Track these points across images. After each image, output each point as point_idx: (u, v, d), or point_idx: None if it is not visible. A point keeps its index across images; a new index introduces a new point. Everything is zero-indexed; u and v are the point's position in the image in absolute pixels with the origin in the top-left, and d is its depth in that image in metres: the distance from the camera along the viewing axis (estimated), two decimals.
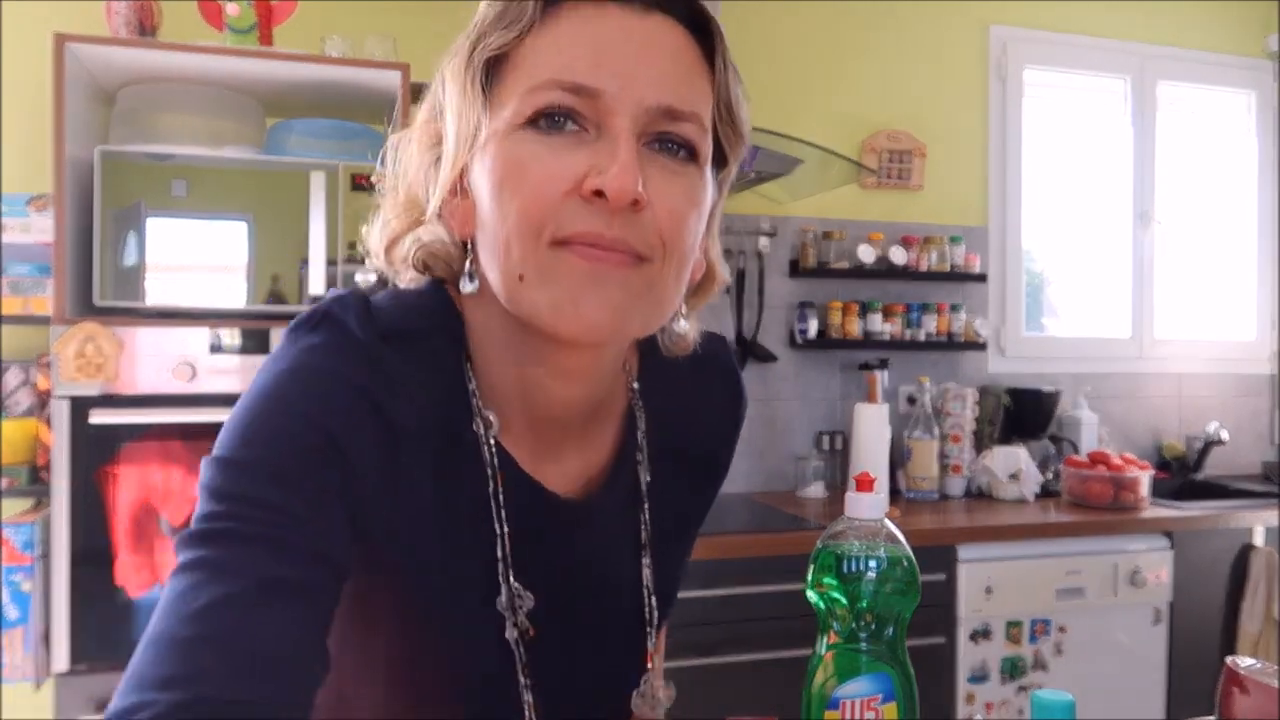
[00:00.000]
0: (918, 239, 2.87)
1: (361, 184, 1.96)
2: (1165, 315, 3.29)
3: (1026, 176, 3.11)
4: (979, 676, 2.32)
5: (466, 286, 0.65)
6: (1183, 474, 3.09)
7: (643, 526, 0.76)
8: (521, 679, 0.68)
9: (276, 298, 1.93)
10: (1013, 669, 2.34)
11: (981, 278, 2.96)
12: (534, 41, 0.62)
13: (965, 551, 2.31)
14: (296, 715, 0.53)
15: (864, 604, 0.78)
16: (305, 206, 1.92)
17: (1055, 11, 3.13)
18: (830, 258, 2.80)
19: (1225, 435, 3.05)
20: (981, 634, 2.31)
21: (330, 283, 1.93)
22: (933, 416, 2.75)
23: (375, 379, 0.61)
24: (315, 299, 1.92)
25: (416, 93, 2.14)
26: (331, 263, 1.93)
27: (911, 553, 0.81)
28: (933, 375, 2.88)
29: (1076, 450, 2.88)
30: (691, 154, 0.63)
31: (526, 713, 0.68)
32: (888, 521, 0.82)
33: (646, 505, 0.76)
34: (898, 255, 2.82)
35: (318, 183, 1.92)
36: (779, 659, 2.05)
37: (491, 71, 0.63)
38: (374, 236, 0.72)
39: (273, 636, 0.53)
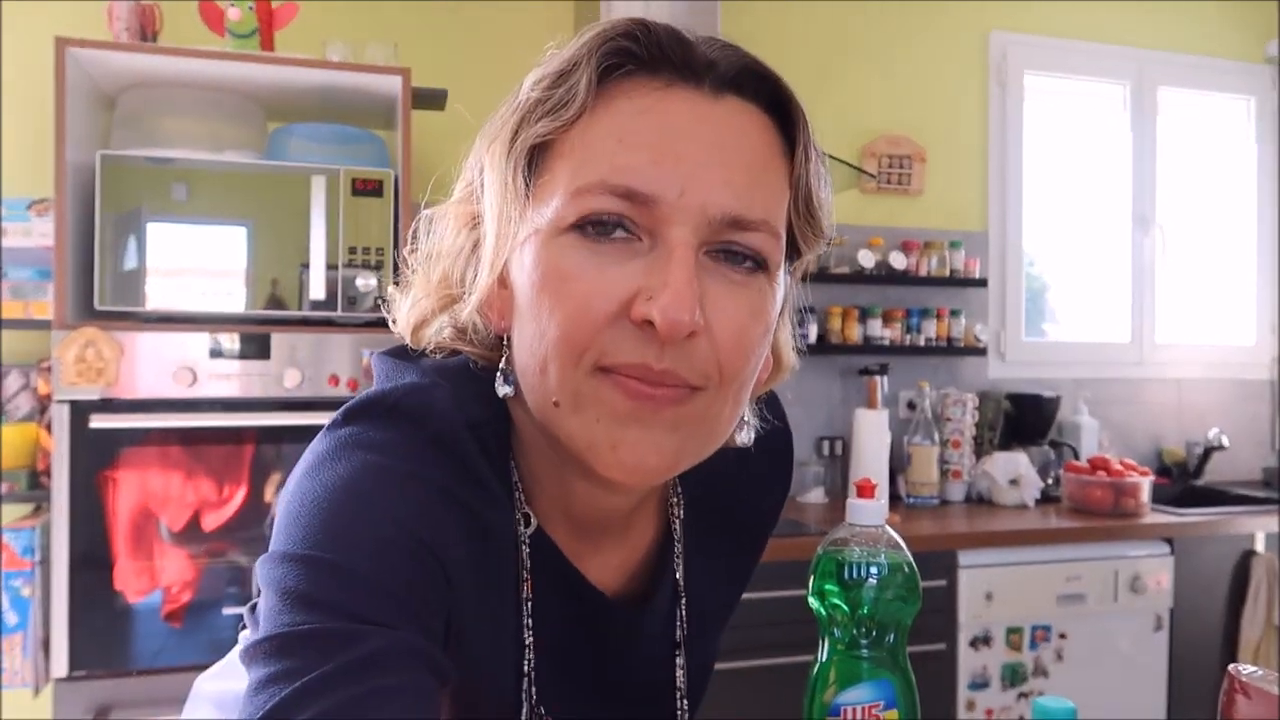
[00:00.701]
0: (918, 244, 2.87)
1: (362, 189, 1.96)
2: (1165, 320, 3.29)
3: (1027, 181, 3.12)
4: (980, 683, 2.31)
5: (502, 389, 0.59)
6: (1183, 480, 3.08)
7: (679, 624, 0.70)
8: None
9: (276, 302, 1.93)
10: (1013, 676, 2.34)
11: (982, 283, 2.96)
12: (585, 129, 0.54)
13: (966, 557, 2.30)
14: None
15: (865, 610, 0.78)
16: (306, 211, 1.92)
17: (1055, 17, 3.14)
18: (830, 262, 2.80)
19: (1226, 441, 3.05)
20: (982, 640, 2.31)
21: (331, 288, 1.93)
22: (933, 422, 2.75)
23: (461, 481, 0.56)
24: (316, 304, 1.92)
25: (418, 97, 2.15)
26: (332, 267, 1.93)
27: (912, 559, 0.81)
28: (933, 380, 2.87)
29: (1077, 456, 2.88)
30: (760, 264, 0.55)
31: None
32: (888, 528, 0.82)
33: (684, 601, 0.70)
34: (897, 260, 2.82)
35: (318, 187, 1.92)
36: (780, 665, 2.04)
37: (536, 158, 0.56)
38: (402, 314, 0.65)
39: None
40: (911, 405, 2.86)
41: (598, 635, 0.67)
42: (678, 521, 0.70)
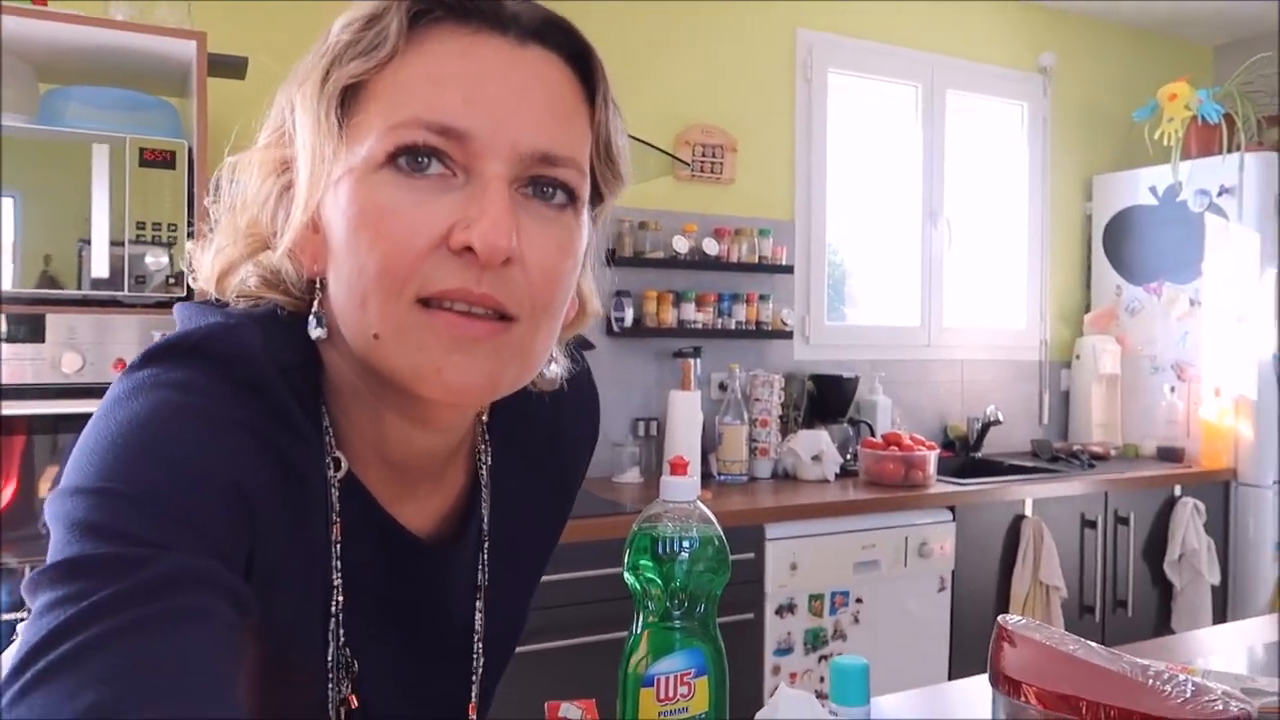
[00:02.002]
0: (729, 231, 2.98)
1: (152, 159, 1.82)
2: (951, 306, 3.56)
3: (830, 174, 3.28)
4: (784, 649, 2.44)
5: (315, 331, 0.60)
6: (964, 452, 3.36)
7: (481, 568, 0.72)
8: None
9: (50, 281, 1.76)
10: (815, 640, 2.48)
11: (788, 269, 3.10)
12: (397, 70, 0.55)
13: (772, 530, 2.42)
14: None
15: (678, 583, 0.81)
16: (86, 182, 1.77)
17: (856, 19, 3.31)
18: (646, 248, 2.86)
19: (1001, 416, 3.34)
20: (787, 608, 2.44)
21: (115, 265, 1.78)
22: (742, 402, 2.86)
23: (269, 421, 0.57)
24: (98, 282, 1.77)
25: (215, 64, 2.01)
26: (117, 244, 1.79)
27: (722, 533, 0.84)
28: (742, 362, 2.99)
29: (873, 432, 3.08)
30: (569, 198, 0.59)
31: None
32: (700, 504, 0.85)
33: (486, 545, 0.72)
34: (710, 246, 2.91)
35: (101, 156, 1.77)
36: (597, 642, 2.08)
37: (348, 99, 0.56)
38: (205, 262, 0.63)
39: (193, 659, 0.45)
40: (723, 386, 2.96)
41: (407, 578, 0.68)
42: (485, 468, 0.72)
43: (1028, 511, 2.86)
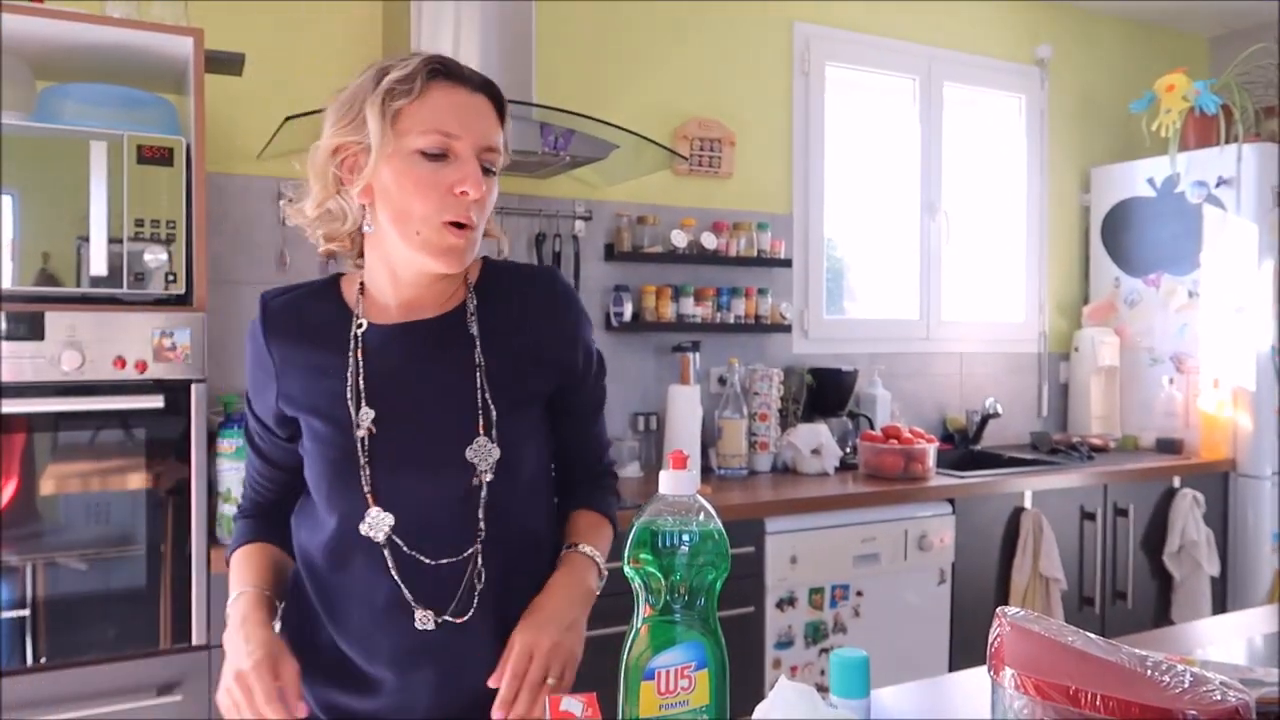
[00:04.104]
0: (727, 225, 2.98)
1: (150, 156, 1.82)
2: (949, 299, 3.56)
3: (828, 168, 3.28)
4: (785, 642, 2.44)
5: (368, 229, 1.10)
6: (964, 445, 3.36)
7: (475, 353, 1.12)
8: (362, 459, 1.07)
9: (49, 278, 1.76)
10: (815, 633, 2.49)
11: (786, 263, 3.10)
12: (420, 103, 1.04)
13: (772, 524, 2.42)
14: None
15: (678, 577, 0.81)
16: (84, 180, 1.76)
17: (853, 12, 3.31)
18: (644, 242, 2.86)
19: (1000, 409, 3.35)
20: (787, 601, 2.44)
21: (114, 263, 1.78)
22: (741, 396, 2.86)
23: (272, 327, 1.13)
24: (97, 280, 1.77)
25: (212, 61, 2.01)
26: (116, 241, 1.79)
27: (722, 526, 0.85)
28: (741, 356, 2.99)
29: (872, 425, 3.08)
30: (493, 171, 1.09)
31: (364, 483, 1.07)
32: (700, 498, 0.86)
33: (478, 345, 1.12)
34: (708, 240, 2.91)
35: (99, 153, 1.77)
36: (597, 637, 2.07)
37: (395, 116, 1.04)
38: (308, 204, 1.11)
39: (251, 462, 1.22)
40: (722, 380, 2.96)
41: (407, 346, 1.11)
42: (471, 307, 1.15)
43: (1027, 504, 2.86)
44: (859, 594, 2.55)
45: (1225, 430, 3.32)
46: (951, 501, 2.71)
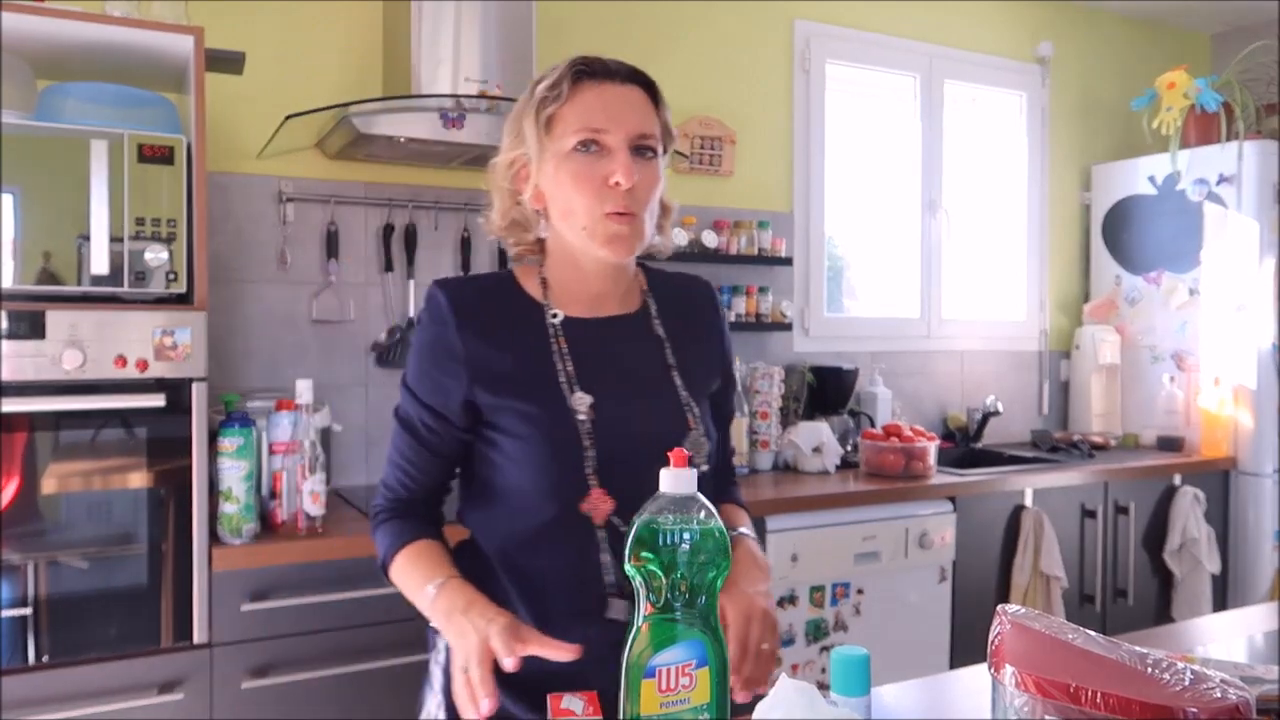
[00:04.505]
0: (728, 223, 2.97)
1: (151, 155, 1.82)
2: (950, 297, 3.56)
3: (828, 166, 3.28)
4: (786, 640, 2.44)
5: (544, 232, 1.17)
6: (965, 443, 3.36)
7: (667, 353, 1.21)
8: (586, 443, 1.11)
9: (50, 277, 1.76)
10: (816, 631, 2.49)
11: (787, 261, 3.10)
12: (569, 105, 1.11)
13: (773, 522, 2.42)
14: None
15: (679, 575, 0.81)
16: (84, 178, 1.76)
17: (854, 10, 3.31)
18: None
19: (1000, 407, 3.35)
20: (789, 600, 2.44)
21: (116, 261, 1.78)
22: (742, 394, 2.86)
23: (461, 313, 1.15)
24: (98, 279, 1.77)
25: (212, 60, 2.01)
26: (117, 240, 1.79)
27: (723, 525, 0.85)
28: (743, 355, 2.99)
29: (873, 423, 3.08)
30: (654, 153, 1.14)
31: (588, 465, 1.11)
32: (700, 496, 0.86)
33: (667, 346, 1.21)
34: (709, 239, 2.91)
35: (99, 152, 1.77)
36: None
37: (550, 122, 1.12)
38: (494, 215, 1.21)
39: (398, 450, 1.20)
40: None
41: (606, 338, 1.18)
42: (653, 305, 1.24)
43: (1028, 502, 2.86)
44: (860, 592, 2.55)
45: (1226, 428, 3.32)
46: (952, 499, 2.71)
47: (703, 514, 0.83)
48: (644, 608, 0.81)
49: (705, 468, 1.15)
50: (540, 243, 1.20)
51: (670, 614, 0.81)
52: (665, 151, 1.18)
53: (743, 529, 1.22)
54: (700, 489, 1.02)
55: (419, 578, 1.11)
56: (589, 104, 1.10)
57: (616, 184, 1.08)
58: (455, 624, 1.02)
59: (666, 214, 1.22)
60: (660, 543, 0.81)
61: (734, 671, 0.99)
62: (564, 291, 1.19)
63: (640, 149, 1.11)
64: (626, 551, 0.82)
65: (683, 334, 1.23)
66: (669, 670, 0.79)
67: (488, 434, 1.15)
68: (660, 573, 0.80)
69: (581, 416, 1.11)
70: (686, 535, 0.81)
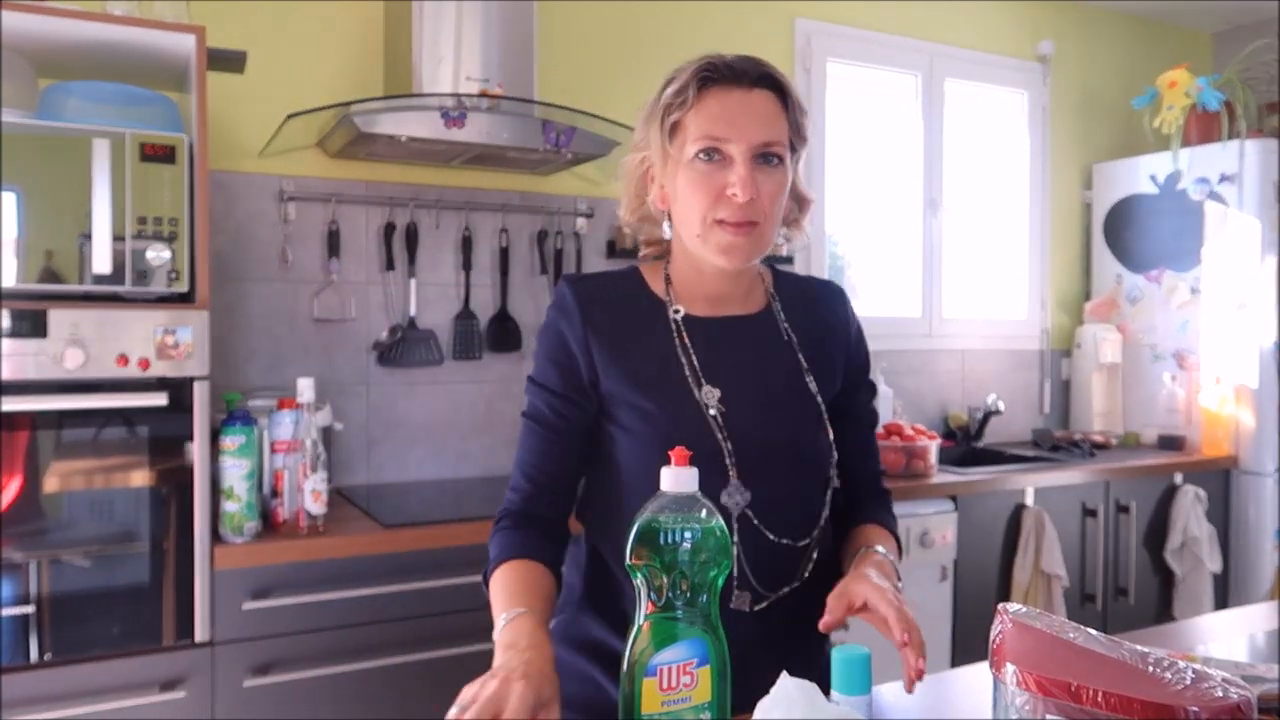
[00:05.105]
0: None
1: (152, 154, 1.82)
2: (951, 296, 3.56)
3: (830, 164, 3.28)
4: None
5: (667, 234, 1.19)
6: (966, 442, 3.36)
7: (799, 356, 1.20)
8: (720, 436, 1.12)
9: (52, 276, 1.77)
10: None
11: (788, 260, 3.10)
12: (696, 113, 1.10)
13: None
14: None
15: (680, 574, 0.81)
16: (86, 177, 1.77)
17: (855, 8, 3.31)
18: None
19: (1002, 406, 3.34)
20: None
21: (118, 260, 1.79)
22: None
23: (586, 308, 1.16)
24: (100, 278, 1.78)
25: (214, 59, 2.01)
26: (119, 238, 1.79)
27: (724, 523, 0.85)
28: None
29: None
30: (779, 159, 1.12)
31: (726, 457, 1.11)
32: (700, 495, 0.86)
33: (798, 349, 1.21)
34: None
35: (102, 151, 1.77)
36: None
37: (674, 128, 1.12)
38: (624, 211, 1.23)
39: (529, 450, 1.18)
40: None
41: (731, 337, 1.18)
42: (778, 308, 1.24)
43: (1029, 500, 2.86)
44: None
45: (1227, 427, 3.32)
46: (953, 498, 2.71)
47: (704, 513, 0.83)
48: (645, 606, 0.81)
49: (833, 471, 1.18)
50: (668, 242, 1.20)
51: (671, 613, 0.81)
52: (796, 152, 1.16)
53: (879, 548, 1.15)
54: (832, 506, 1.17)
55: (499, 602, 1.05)
56: (714, 112, 1.09)
57: (733, 195, 1.07)
58: (499, 657, 0.93)
59: (804, 207, 1.23)
60: (661, 541, 0.81)
61: (904, 645, 0.95)
62: (686, 290, 1.19)
63: (765, 156, 1.10)
64: (627, 550, 0.82)
65: (812, 337, 1.22)
66: (670, 669, 0.80)
67: (611, 429, 1.16)
68: (661, 572, 0.81)
69: (712, 411, 1.12)
70: (687, 534, 0.81)
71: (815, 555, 1.16)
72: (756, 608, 1.13)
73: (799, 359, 1.20)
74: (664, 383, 1.14)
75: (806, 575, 1.16)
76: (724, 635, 0.83)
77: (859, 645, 0.93)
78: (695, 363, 1.15)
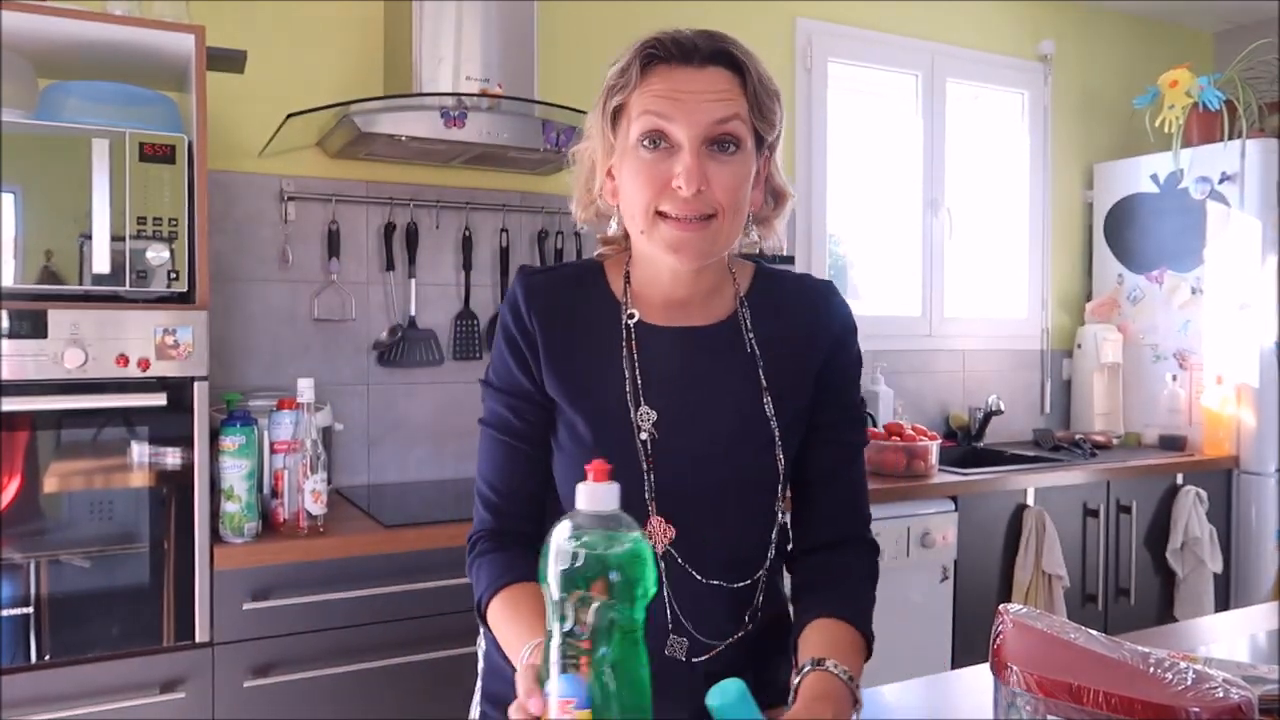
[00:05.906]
0: None
1: (152, 154, 1.82)
2: (952, 296, 3.56)
3: (831, 164, 3.28)
4: None
5: (613, 230, 1.08)
6: (966, 442, 3.36)
7: (759, 371, 1.06)
8: (644, 465, 1.01)
9: (52, 276, 1.76)
10: None
11: (789, 260, 3.09)
12: (638, 92, 0.98)
13: None
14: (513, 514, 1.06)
15: (578, 604, 0.72)
16: (86, 177, 1.77)
17: (856, 8, 3.30)
18: None
19: (1002, 406, 3.34)
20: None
21: (117, 260, 1.78)
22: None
23: (533, 302, 1.05)
24: (100, 278, 1.77)
25: (214, 58, 2.01)
26: (118, 239, 1.79)
27: (648, 550, 0.72)
28: None
29: (875, 422, 3.08)
30: (736, 145, 0.97)
31: (647, 490, 1.00)
32: (622, 515, 0.75)
33: (761, 363, 1.06)
34: None
35: (101, 151, 1.77)
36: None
37: (617, 113, 1.00)
38: (575, 206, 1.10)
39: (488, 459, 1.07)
40: None
41: (683, 351, 1.05)
42: (745, 313, 1.09)
43: (1030, 501, 2.86)
44: None
45: (1228, 427, 3.31)
46: (954, 499, 2.71)
47: (614, 543, 0.72)
48: (548, 620, 0.73)
49: (780, 505, 1.05)
50: (629, 240, 1.07)
51: (572, 640, 0.72)
52: (765, 140, 1.01)
53: (829, 664, 0.91)
54: (776, 553, 1.07)
55: (512, 634, 0.95)
56: (657, 91, 0.96)
57: (678, 188, 0.94)
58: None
59: (781, 203, 1.09)
60: (560, 566, 0.72)
61: None
62: (644, 292, 1.06)
63: (720, 143, 0.96)
64: (540, 570, 0.73)
65: (781, 345, 1.07)
66: (556, 702, 0.71)
67: (550, 440, 1.06)
68: (564, 595, 0.71)
69: (644, 435, 1.00)
70: (589, 561, 0.71)
71: (759, 600, 1.04)
72: (697, 658, 1.01)
73: (759, 375, 1.05)
74: (601, 397, 1.02)
75: (751, 624, 1.04)
76: (642, 683, 0.72)
77: (733, 680, 0.79)
78: (639, 378, 1.02)
